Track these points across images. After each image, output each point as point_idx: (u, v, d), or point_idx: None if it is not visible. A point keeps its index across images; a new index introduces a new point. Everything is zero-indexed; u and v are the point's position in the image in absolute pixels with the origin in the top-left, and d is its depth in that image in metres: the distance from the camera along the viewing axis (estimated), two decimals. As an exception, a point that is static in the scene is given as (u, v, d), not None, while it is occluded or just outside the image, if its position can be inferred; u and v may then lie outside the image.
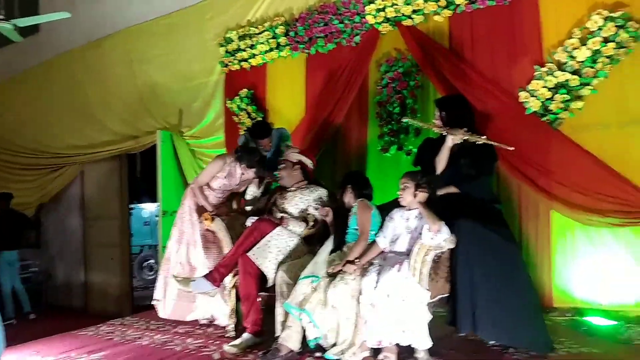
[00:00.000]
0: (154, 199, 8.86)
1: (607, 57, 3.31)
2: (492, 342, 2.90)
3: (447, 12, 3.97)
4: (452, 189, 3.12)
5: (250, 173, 3.93)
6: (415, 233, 2.92)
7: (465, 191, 3.10)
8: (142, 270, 9.72)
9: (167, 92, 5.84)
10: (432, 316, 2.76)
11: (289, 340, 2.96)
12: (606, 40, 3.30)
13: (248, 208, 3.96)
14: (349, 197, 3.31)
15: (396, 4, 4.14)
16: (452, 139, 3.11)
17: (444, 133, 3.16)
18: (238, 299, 3.50)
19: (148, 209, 9.97)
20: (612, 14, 3.29)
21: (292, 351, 2.95)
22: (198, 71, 5.59)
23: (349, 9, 4.46)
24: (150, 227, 9.91)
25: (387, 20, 4.23)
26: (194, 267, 3.83)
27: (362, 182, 3.35)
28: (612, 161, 3.28)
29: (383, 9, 4.21)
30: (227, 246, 3.61)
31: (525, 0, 3.68)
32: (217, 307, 3.77)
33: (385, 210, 3.19)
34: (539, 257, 3.51)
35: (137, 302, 6.80)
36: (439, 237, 2.77)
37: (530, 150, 3.52)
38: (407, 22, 4.14)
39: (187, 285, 3.49)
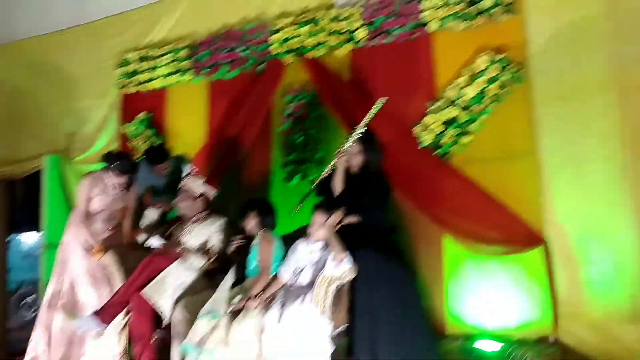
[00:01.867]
0: (36, 229, 8.10)
1: (492, 95, 3.59)
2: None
3: (349, 47, 4.11)
4: (352, 219, 3.17)
5: (123, 180, 3.73)
6: (319, 265, 2.91)
7: (364, 221, 3.15)
8: (20, 310, 8.76)
9: (56, 113, 5.42)
10: (334, 347, 2.75)
11: None
12: (491, 80, 3.58)
13: (142, 238, 3.75)
14: (251, 225, 3.24)
15: (300, 36, 4.21)
16: (340, 163, 3.20)
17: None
18: (130, 339, 3.26)
19: (28, 240, 9.05)
20: (496, 57, 3.58)
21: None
22: (91, 92, 5.27)
23: (253, 36, 4.45)
24: (30, 260, 8.99)
25: (291, 51, 4.28)
26: (82, 307, 3.52)
27: (265, 209, 3.28)
28: (495, 193, 3.51)
29: (287, 40, 4.27)
30: (118, 282, 3.37)
31: (420, 40, 3.91)
32: (107, 349, 3.48)
33: (290, 239, 3.16)
34: (432, 285, 3.62)
35: (14, 346, 6.09)
36: (342, 267, 2.79)
37: (423, 181, 3.70)
38: (310, 54, 4.22)
39: (74, 318, 3.20)
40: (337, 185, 3.23)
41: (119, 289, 3.28)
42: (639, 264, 3.18)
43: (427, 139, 3.74)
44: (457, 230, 3.58)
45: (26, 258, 8.93)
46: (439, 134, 3.72)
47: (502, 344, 3.25)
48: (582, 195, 3.36)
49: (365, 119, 3.30)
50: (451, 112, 3.66)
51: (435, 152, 3.74)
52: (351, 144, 3.24)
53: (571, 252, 3.36)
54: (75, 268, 3.65)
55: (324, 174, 3.37)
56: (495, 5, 3.62)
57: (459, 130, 3.68)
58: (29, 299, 8.66)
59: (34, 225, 5.68)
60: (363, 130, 3.27)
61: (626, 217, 3.24)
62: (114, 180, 3.74)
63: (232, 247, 3.32)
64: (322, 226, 2.90)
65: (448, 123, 3.68)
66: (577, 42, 3.45)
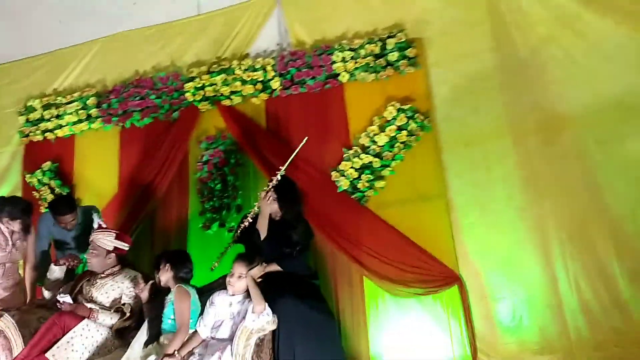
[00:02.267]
0: None
1: (402, 142, 3.80)
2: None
3: (264, 96, 4.20)
4: (275, 267, 3.15)
5: (15, 226, 3.48)
6: (238, 318, 2.84)
7: (286, 269, 3.15)
8: None
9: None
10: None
11: None
12: (400, 129, 3.79)
13: (47, 296, 3.48)
14: (165, 277, 3.09)
15: (215, 84, 4.24)
16: (264, 205, 3.23)
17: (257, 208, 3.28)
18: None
19: None
20: (402, 107, 3.82)
21: None
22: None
23: (166, 84, 4.42)
24: None
25: (206, 99, 4.29)
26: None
27: (179, 260, 3.14)
28: (410, 234, 3.66)
29: (202, 88, 4.28)
30: (17, 347, 3.07)
31: (333, 90, 4.08)
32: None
33: (209, 291, 3.07)
34: (356, 327, 3.66)
35: None
36: (262, 319, 2.74)
37: (342, 224, 3.79)
38: (226, 102, 4.25)
39: None
40: (262, 229, 3.22)
41: (19, 354, 3.00)
42: (545, 297, 3.43)
43: (344, 184, 3.86)
44: (376, 272, 3.67)
45: None
46: (355, 179, 3.85)
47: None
48: (490, 234, 3.60)
49: (290, 159, 3.38)
50: (365, 159, 3.81)
51: (353, 196, 3.85)
52: (273, 184, 3.27)
53: (484, 289, 3.55)
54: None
55: (245, 221, 3.34)
56: (401, 58, 3.89)
57: (373, 176, 3.82)
58: None
59: None
60: (283, 172, 3.32)
61: (530, 253, 3.50)
62: (5, 229, 3.47)
63: (144, 296, 3.13)
64: (243, 277, 2.85)
65: (362, 169, 3.83)
66: (476, 92, 3.78)
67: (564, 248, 3.43)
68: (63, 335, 2.98)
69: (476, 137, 3.69)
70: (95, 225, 3.46)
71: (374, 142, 3.83)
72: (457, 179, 3.70)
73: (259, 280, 2.95)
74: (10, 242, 3.52)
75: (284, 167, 3.35)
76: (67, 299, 3.17)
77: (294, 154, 3.42)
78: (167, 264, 3.07)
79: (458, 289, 3.52)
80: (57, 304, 3.15)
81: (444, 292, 3.55)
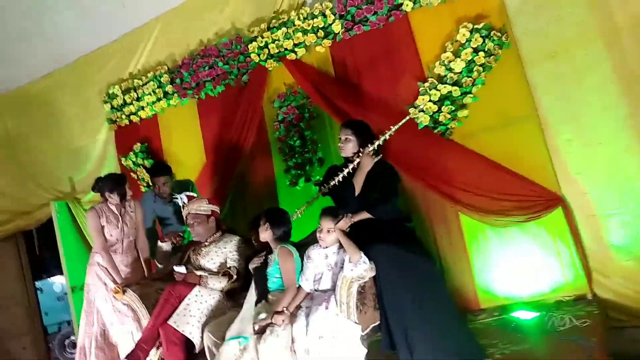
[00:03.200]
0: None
1: (480, 65, 3.51)
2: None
3: (327, 42, 4.06)
4: (365, 215, 3.13)
5: (116, 198, 3.74)
6: (337, 268, 2.89)
7: (376, 216, 3.12)
8: (65, 350, 8.87)
9: (53, 159, 5.45)
10: (367, 350, 2.73)
11: None
12: (476, 50, 3.50)
13: (160, 268, 3.76)
14: (264, 235, 3.18)
15: (277, 40, 4.16)
16: (364, 161, 3.18)
17: (356, 159, 3.21)
18: (166, 372, 3.27)
19: (60, 282, 9.16)
20: (476, 26, 3.50)
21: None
22: (83, 132, 5.29)
23: (231, 49, 4.41)
24: (66, 301, 9.10)
25: (271, 56, 4.24)
26: (115, 347, 3.55)
27: (279, 219, 3.18)
28: (502, 161, 3.45)
29: (265, 46, 4.22)
30: (144, 318, 3.37)
31: (397, 22, 3.83)
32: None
33: (304, 246, 3.14)
34: (458, 263, 3.59)
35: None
36: (360, 268, 2.75)
37: (428, 162, 3.65)
38: (290, 57, 4.17)
39: None
40: (358, 184, 3.20)
41: (147, 325, 3.29)
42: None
43: (423, 119, 3.68)
44: (471, 205, 3.53)
45: (61, 299, 9.05)
46: (435, 113, 3.66)
47: (539, 311, 3.18)
48: (589, 148, 3.30)
49: (398, 125, 3.32)
50: (443, 90, 3.59)
51: (435, 131, 3.68)
52: (379, 143, 3.24)
53: (591, 207, 3.31)
54: (102, 309, 3.67)
55: (339, 176, 3.28)
56: (468, -27, 3.54)
57: (454, 106, 3.61)
58: (72, 338, 8.76)
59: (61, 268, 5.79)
60: (391, 133, 3.27)
61: (636, 163, 3.18)
62: (112, 206, 3.74)
63: (254, 264, 3.28)
64: (332, 231, 2.87)
65: (442, 100, 3.62)
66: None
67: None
68: (179, 303, 3.21)
69: (561, 47, 3.32)
70: (185, 200, 3.60)
71: (450, 70, 3.58)
72: (546, 96, 3.38)
73: (352, 229, 2.95)
74: (120, 219, 3.80)
75: (393, 130, 3.29)
76: (182, 269, 3.38)
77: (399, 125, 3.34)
78: (267, 223, 3.14)
79: (562, 210, 3.31)
80: (174, 275, 3.38)
81: (547, 216, 3.34)
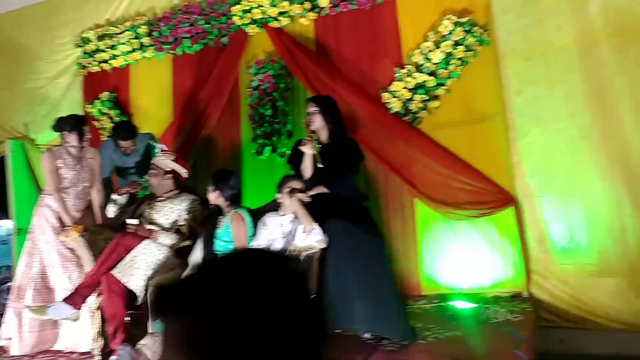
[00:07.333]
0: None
1: (458, 59, 3.56)
2: (366, 336, 2.97)
3: (312, 15, 4.04)
4: (322, 189, 3.15)
5: (74, 138, 3.57)
6: (290, 237, 2.90)
7: (334, 191, 3.14)
8: (1, 295, 8.63)
9: (12, 96, 5.24)
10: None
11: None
12: (457, 44, 3.55)
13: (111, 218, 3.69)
14: (212, 197, 3.14)
15: (262, 6, 4.11)
16: (306, 149, 3.13)
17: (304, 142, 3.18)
18: (103, 320, 3.22)
19: (4, 225, 8.89)
20: (460, 20, 3.55)
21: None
22: (46, 73, 5.10)
23: (214, 9, 4.34)
24: (8, 245, 8.84)
25: (254, 22, 4.18)
26: (52, 290, 3.46)
27: (222, 179, 3.12)
28: (465, 156, 3.54)
29: (249, 10, 4.16)
30: (88, 264, 3.31)
31: (384, 5, 3.85)
32: (81, 331, 3.44)
33: (261, 213, 3.14)
34: (407, 248, 3.68)
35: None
36: (312, 238, 2.78)
37: (393, 147, 3.70)
38: (274, 24, 4.13)
39: (43, 313, 3.14)
40: (307, 170, 3.19)
41: (90, 271, 3.23)
42: (607, 220, 3.26)
43: (395, 105, 3.72)
44: (428, 194, 3.60)
45: (4, 244, 8.78)
46: (407, 100, 3.70)
47: (477, 303, 3.30)
48: (550, 154, 3.40)
49: None
50: (418, 78, 3.63)
51: (405, 118, 3.72)
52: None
53: (541, 211, 3.42)
54: (45, 251, 3.57)
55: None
56: (458, -35, 3.58)
57: (427, 96, 3.65)
58: (10, 284, 8.50)
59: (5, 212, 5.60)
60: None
61: (592, 174, 3.30)
62: (70, 146, 3.61)
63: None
64: (289, 200, 2.87)
65: (416, 88, 3.66)
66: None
67: (631, 168, 3.19)
68: (127, 254, 3.16)
69: (538, 50, 3.41)
70: (158, 150, 3.57)
71: (428, 60, 3.62)
72: (517, 97, 3.47)
73: (308, 202, 2.96)
74: (77, 162, 3.68)
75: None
76: (134, 221, 3.33)
77: None
78: (213, 185, 3.12)
79: (514, 210, 3.41)
80: (126, 227, 3.33)
81: (499, 214, 3.45)
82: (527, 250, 3.40)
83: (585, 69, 3.29)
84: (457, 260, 3.55)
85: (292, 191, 2.90)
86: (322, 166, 3.09)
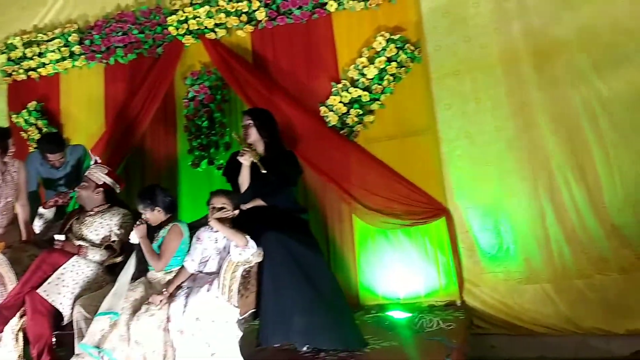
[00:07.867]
0: None
1: (391, 75, 3.68)
2: (304, 349, 2.97)
3: (249, 28, 4.04)
4: (259, 202, 3.13)
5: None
6: (225, 253, 2.84)
7: (271, 203, 3.13)
8: None
9: None
10: (242, 333, 2.73)
11: None
12: (390, 60, 3.66)
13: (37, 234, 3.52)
14: (155, 215, 3.07)
15: (199, 17, 4.08)
16: (245, 159, 3.11)
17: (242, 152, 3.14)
18: (27, 342, 3.05)
19: None
20: (392, 37, 3.66)
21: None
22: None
23: (149, 18, 4.26)
24: None
25: (190, 32, 4.14)
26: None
27: (149, 196, 3.01)
28: (399, 168, 3.65)
29: (185, 21, 4.12)
30: (10, 283, 3.12)
31: (320, 20, 3.92)
32: (3, 354, 3.24)
33: (197, 227, 3.07)
34: (346, 259, 3.73)
35: None
36: (247, 252, 2.74)
37: (331, 160, 3.75)
38: (210, 36, 4.11)
39: None
40: (244, 182, 3.16)
41: (12, 290, 3.06)
42: (532, 228, 3.43)
43: (332, 119, 3.78)
44: (365, 204, 3.67)
45: None
46: (343, 114, 3.77)
47: (412, 312, 3.38)
48: (478, 166, 3.56)
49: None
50: (354, 93, 3.71)
51: (342, 132, 3.78)
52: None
53: (471, 220, 3.56)
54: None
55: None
56: (391, -16, 3.69)
57: (362, 110, 3.74)
58: None
59: None
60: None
61: (518, 184, 3.47)
62: None
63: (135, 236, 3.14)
64: (212, 220, 2.82)
65: (351, 103, 3.74)
66: (467, 18, 3.61)
67: (553, 179, 3.39)
68: (53, 272, 3.01)
69: (466, 66, 3.58)
70: (92, 162, 3.44)
71: (363, 75, 3.72)
72: (446, 111, 3.62)
73: (247, 214, 2.94)
74: (1, 176, 3.48)
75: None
76: (62, 237, 3.18)
77: None
78: (149, 206, 3.01)
79: (445, 221, 3.53)
80: (54, 243, 3.17)
81: (432, 226, 3.57)
82: (459, 260, 3.52)
83: (509, 85, 3.49)
84: (394, 270, 3.63)
85: (212, 210, 2.84)
86: (265, 171, 3.05)
